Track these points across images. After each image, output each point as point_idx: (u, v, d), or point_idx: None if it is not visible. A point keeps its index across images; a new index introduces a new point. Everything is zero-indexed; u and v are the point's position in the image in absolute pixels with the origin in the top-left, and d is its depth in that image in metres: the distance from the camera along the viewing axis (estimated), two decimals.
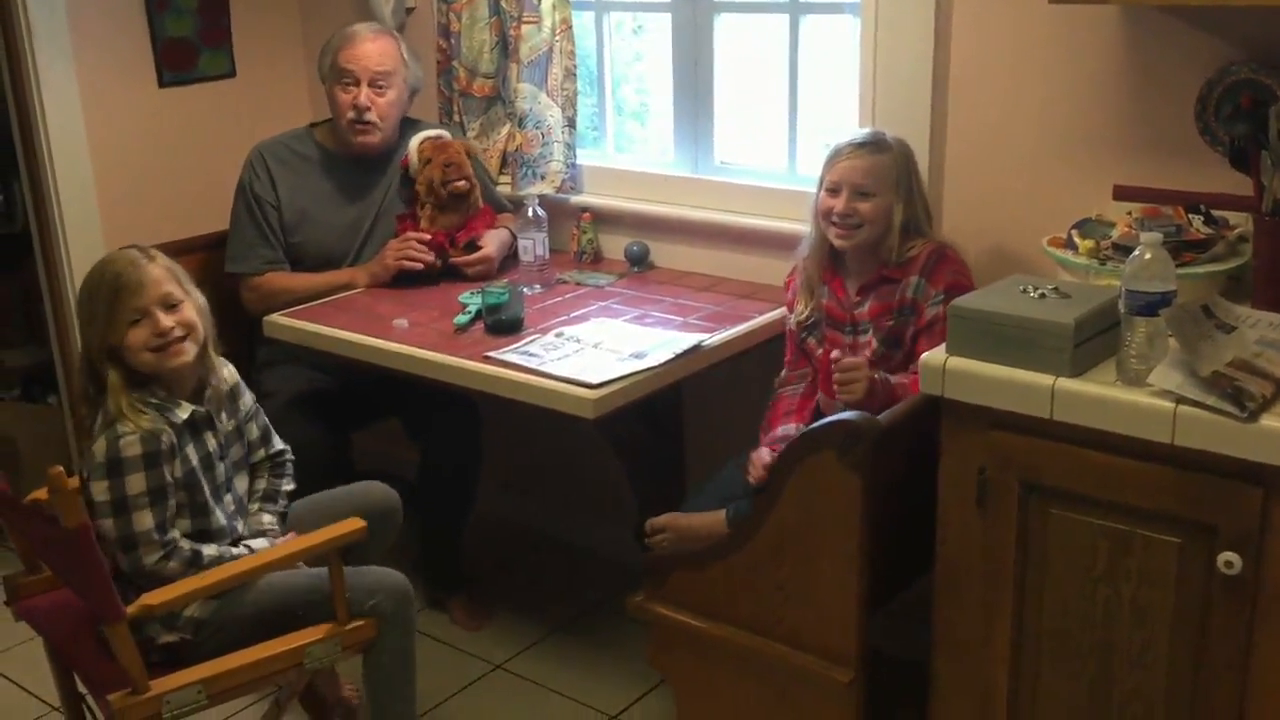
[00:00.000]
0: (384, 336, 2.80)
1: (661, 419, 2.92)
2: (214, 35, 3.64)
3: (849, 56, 2.83)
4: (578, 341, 2.67)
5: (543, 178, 3.27)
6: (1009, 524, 2.02)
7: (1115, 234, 2.27)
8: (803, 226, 2.65)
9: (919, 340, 2.45)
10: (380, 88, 3.17)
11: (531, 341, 2.69)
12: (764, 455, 2.51)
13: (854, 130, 2.59)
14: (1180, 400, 1.81)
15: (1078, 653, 2.01)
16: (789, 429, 2.56)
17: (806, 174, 2.88)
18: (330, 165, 3.28)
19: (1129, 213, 2.32)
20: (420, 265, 3.11)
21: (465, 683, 3.01)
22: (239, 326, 3.13)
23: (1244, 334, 1.93)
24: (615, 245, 3.26)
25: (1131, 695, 1.98)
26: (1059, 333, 1.91)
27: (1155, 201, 2.30)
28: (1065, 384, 1.91)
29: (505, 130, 3.36)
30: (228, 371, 2.47)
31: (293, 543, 2.36)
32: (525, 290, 2.96)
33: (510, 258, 3.22)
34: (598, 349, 2.62)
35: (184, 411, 2.31)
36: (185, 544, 2.28)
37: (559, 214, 3.27)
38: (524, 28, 3.18)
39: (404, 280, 3.14)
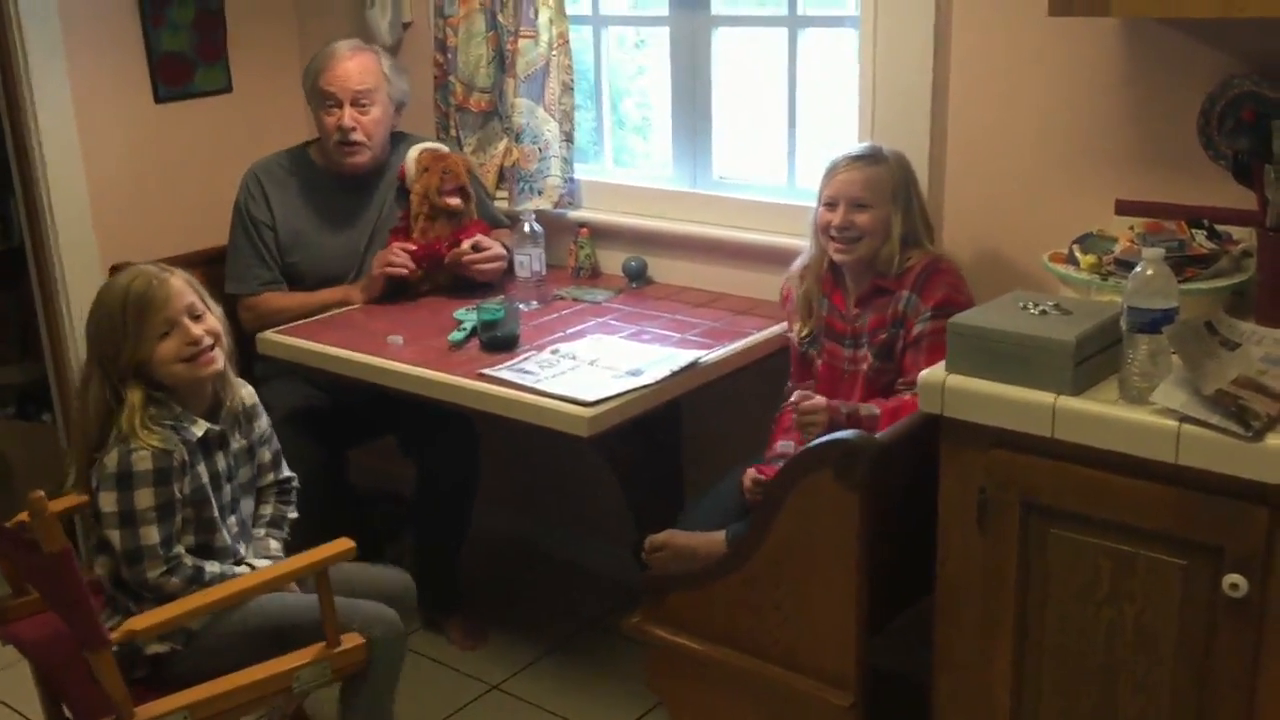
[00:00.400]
0: (378, 353, 2.78)
1: (660, 436, 2.89)
2: (210, 50, 3.63)
3: (848, 70, 2.81)
4: (573, 359, 2.64)
5: (540, 193, 3.24)
6: (1010, 544, 1.99)
7: (1117, 249, 2.24)
8: (802, 241, 2.64)
9: (905, 355, 2.43)
10: (363, 106, 3.15)
11: (527, 358, 2.66)
12: (750, 474, 2.49)
13: (851, 144, 2.57)
14: (1184, 419, 1.78)
15: (1080, 676, 1.98)
16: (788, 446, 2.53)
17: (806, 188, 2.86)
18: (325, 184, 3.26)
19: (1131, 227, 2.29)
20: (403, 271, 3.09)
21: (461, 704, 2.97)
22: (237, 344, 3.10)
23: (1248, 351, 1.90)
24: (613, 261, 3.24)
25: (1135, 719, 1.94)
26: (1060, 350, 1.89)
27: (1157, 216, 2.28)
28: (1067, 402, 1.88)
29: (502, 145, 3.34)
30: (246, 392, 2.47)
31: (283, 564, 2.33)
32: (521, 306, 2.94)
33: (506, 273, 3.19)
34: (593, 366, 2.59)
35: (198, 429, 2.31)
36: (189, 560, 2.28)
37: (556, 229, 3.25)
38: (521, 42, 3.16)
39: (399, 296, 3.12)
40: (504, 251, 3.15)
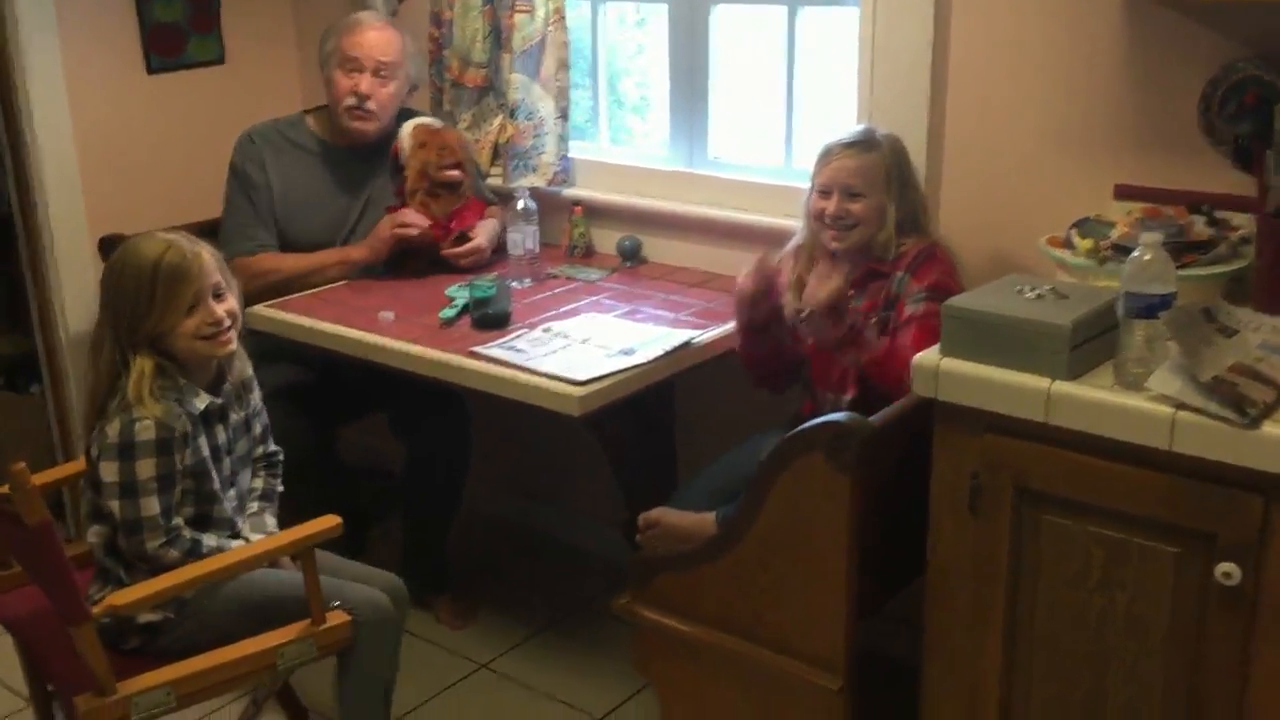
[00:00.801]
0: (369, 329, 2.76)
1: (653, 416, 2.87)
2: (203, 21, 3.59)
3: (847, 50, 2.78)
4: (566, 337, 2.62)
5: (534, 170, 3.22)
6: (1002, 529, 1.98)
7: (1115, 234, 2.22)
8: (797, 223, 2.61)
9: (895, 336, 2.41)
10: (383, 77, 3.13)
11: (518, 336, 2.64)
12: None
13: (845, 129, 2.55)
14: (1179, 405, 1.77)
15: (1071, 663, 1.97)
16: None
17: (802, 169, 2.83)
18: (322, 154, 3.23)
19: (1129, 212, 2.28)
20: (415, 231, 3.06)
21: (449, 682, 2.97)
22: None
23: (1246, 338, 1.89)
24: (607, 240, 3.21)
25: (1126, 708, 1.93)
26: (1055, 334, 1.87)
27: (1157, 201, 2.27)
28: (1061, 387, 1.87)
29: (497, 122, 3.31)
30: (243, 365, 2.44)
31: (269, 539, 2.32)
32: (514, 284, 2.92)
33: (498, 251, 3.17)
34: (586, 345, 2.58)
35: (201, 402, 2.30)
36: (188, 532, 2.27)
37: (551, 207, 3.22)
38: (517, 17, 3.13)
39: (392, 270, 3.10)
40: (484, 245, 3.13)
